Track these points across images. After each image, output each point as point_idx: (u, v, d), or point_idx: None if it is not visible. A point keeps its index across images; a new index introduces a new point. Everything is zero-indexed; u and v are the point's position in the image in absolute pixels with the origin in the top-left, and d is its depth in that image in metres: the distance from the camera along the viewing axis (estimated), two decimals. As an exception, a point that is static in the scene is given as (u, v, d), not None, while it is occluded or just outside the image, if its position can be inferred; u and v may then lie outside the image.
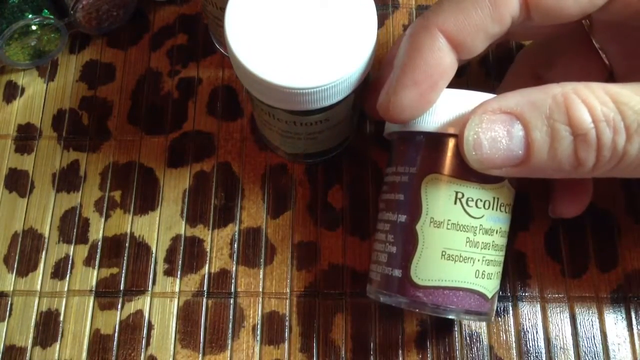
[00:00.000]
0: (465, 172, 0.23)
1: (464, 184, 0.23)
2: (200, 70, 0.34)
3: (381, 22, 0.35)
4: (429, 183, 0.24)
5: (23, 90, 0.34)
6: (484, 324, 0.29)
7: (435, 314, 0.24)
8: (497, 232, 0.24)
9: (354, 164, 0.32)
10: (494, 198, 0.23)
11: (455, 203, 0.23)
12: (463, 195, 0.23)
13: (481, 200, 0.23)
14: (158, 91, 0.34)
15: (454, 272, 0.23)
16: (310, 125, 0.27)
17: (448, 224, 0.23)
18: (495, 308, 0.25)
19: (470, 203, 0.23)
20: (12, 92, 0.34)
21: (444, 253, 0.23)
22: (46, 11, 0.32)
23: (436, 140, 0.24)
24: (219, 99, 0.33)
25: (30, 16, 0.32)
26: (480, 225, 0.23)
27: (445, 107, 0.23)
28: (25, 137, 0.33)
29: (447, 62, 0.23)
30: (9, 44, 0.32)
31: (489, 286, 0.24)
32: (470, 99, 0.23)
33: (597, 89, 0.21)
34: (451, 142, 0.23)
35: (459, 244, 0.23)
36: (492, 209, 0.23)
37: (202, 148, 0.32)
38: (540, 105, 0.21)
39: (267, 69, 0.23)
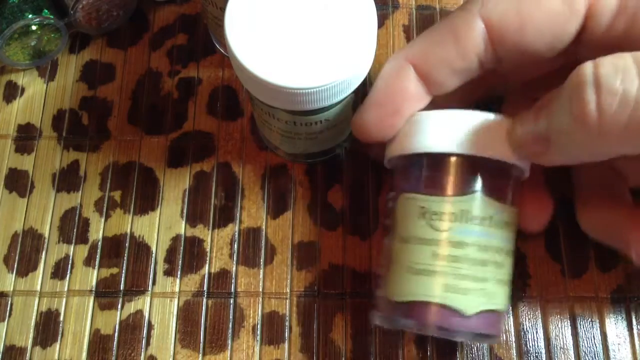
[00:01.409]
0: (429, 187, 0.24)
1: (428, 199, 0.23)
2: (200, 70, 0.34)
3: (381, 22, 0.35)
4: (401, 202, 0.24)
5: (23, 90, 0.34)
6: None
7: (433, 335, 0.24)
8: (472, 246, 0.23)
9: (354, 164, 0.32)
10: (461, 211, 0.23)
11: (419, 218, 0.23)
12: (427, 210, 0.23)
13: (446, 214, 0.23)
14: (158, 91, 0.34)
15: (422, 287, 0.23)
16: (310, 126, 0.27)
17: (414, 240, 0.24)
18: (491, 329, 0.24)
19: (434, 217, 0.23)
20: (12, 92, 0.34)
21: (410, 268, 0.23)
22: (46, 11, 0.32)
23: (405, 161, 0.25)
24: (219, 99, 0.33)
25: (30, 16, 0.32)
26: (447, 238, 0.23)
27: (411, 129, 0.24)
28: (25, 137, 0.33)
29: (411, 90, 0.24)
30: (9, 44, 0.32)
31: (466, 302, 0.23)
32: (429, 118, 0.24)
33: (620, 54, 0.20)
34: (418, 161, 0.24)
35: (425, 258, 0.23)
36: (460, 221, 0.23)
37: (202, 148, 0.32)
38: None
39: (267, 69, 0.23)
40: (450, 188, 0.23)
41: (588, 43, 0.23)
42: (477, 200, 0.23)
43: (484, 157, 0.23)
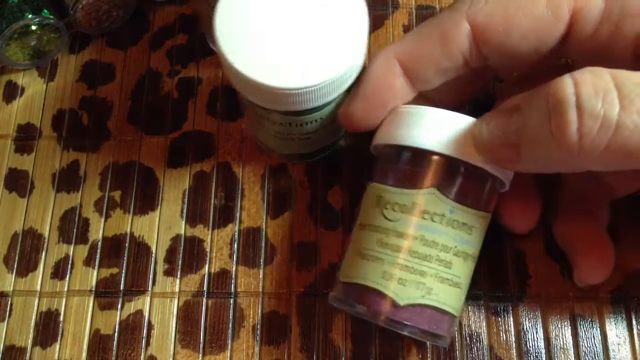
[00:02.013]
0: (387, 178, 0.25)
1: (385, 189, 0.24)
2: (200, 70, 0.34)
3: (381, 22, 0.35)
4: (367, 190, 0.26)
5: (23, 90, 0.34)
6: (484, 323, 0.29)
7: (379, 324, 0.24)
8: (416, 239, 0.23)
9: (353, 164, 0.32)
10: (414, 204, 0.23)
11: (375, 206, 0.24)
12: (383, 199, 0.24)
13: (398, 204, 0.24)
14: (158, 91, 0.34)
15: (362, 271, 0.24)
16: (304, 126, 0.27)
17: (368, 226, 0.25)
18: (427, 326, 0.24)
19: (387, 206, 0.24)
20: (12, 92, 0.34)
21: (360, 252, 0.24)
22: (46, 11, 0.32)
23: (375, 151, 0.26)
24: (219, 99, 0.33)
25: (30, 16, 0.32)
26: (395, 228, 0.24)
27: (385, 120, 0.25)
28: (25, 137, 0.33)
29: (396, 85, 0.25)
30: (9, 44, 0.32)
31: (402, 293, 0.23)
32: (403, 114, 0.25)
33: (595, 70, 0.20)
34: (381, 152, 0.25)
35: (372, 244, 0.24)
36: (411, 214, 0.23)
37: (202, 148, 0.32)
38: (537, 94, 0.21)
39: (260, 71, 0.23)
40: (405, 181, 0.24)
41: (574, 46, 0.24)
42: (430, 196, 0.24)
43: (438, 153, 0.24)
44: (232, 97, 0.33)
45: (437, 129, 0.23)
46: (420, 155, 0.24)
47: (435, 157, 0.24)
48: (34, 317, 0.29)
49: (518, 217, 0.28)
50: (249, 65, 0.23)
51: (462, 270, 0.24)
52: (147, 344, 0.29)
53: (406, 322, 0.23)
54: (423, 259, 0.23)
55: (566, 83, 0.20)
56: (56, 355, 0.29)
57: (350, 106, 0.26)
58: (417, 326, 0.23)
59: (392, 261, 0.23)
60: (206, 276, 0.30)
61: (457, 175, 0.24)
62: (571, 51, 0.24)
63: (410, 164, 0.24)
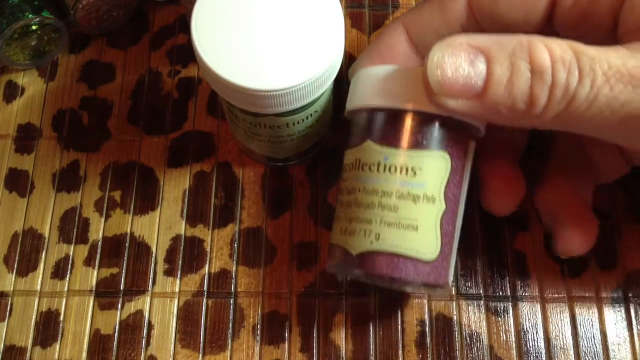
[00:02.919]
0: (346, 141, 0.26)
1: (344, 154, 0.26)
2: (200, 70, 0.34)
3: (381, 22, 0.35)
4: None
5: (23, 90, 0.34)
6: (484, 323, 0.29)
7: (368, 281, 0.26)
8: (359, 190, 0.25)
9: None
10: (356, 159, 0.25)
11: (341, 172, 0.27)
12: (343, 163, 0.26)
13: (347, 165, 0.26)
14: (158, 91, 0.34)
15: (332, 231, 0.26)
16: (299, 123, 0.27)
17: (338, 192, 0.27)
18: (382, 270, 0.24)
19: (344, 169, 0.26)
20: (12, 92, 0.34)
21: (334, 217, 0.26)
22: (46, 11, 0.32)
23: (346, 118, 0.27)
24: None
25: (30, 16, 0.32)
26: (345, 186, 0.26)
27: (351, 87, 0.27)
28: (25, 137, 0.33)
29: (398, 48, 0.27)
30: (9, 44, 0.32)
31: (352, 242, 0.24)
32: (371, 73, 0.26)
33: (561, 41, 0.21)
34: (355, 117, 0.26)
35: (337, 205, 0.26)
36: (354, 169, 0.25)
37: (202, 148, 0.32)
38: (506, 45, 0.22)
39: (248, 78, 0.23)
40: (352, 142, 0.26)
41: (559, 18, 0.25)
42: (364, 149, 0.25)
43: (366, 108, 0.25)
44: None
45: (372, 85, 0.25)
46: (357, 115, 0.26)
47: (364, 113, 0.25)
48: (34, 317, 0.29)
49: (499, 199, 0.28)
50: (235, 74, 0.23)
51: (415, 212, 0.24)
52: (147, 344, 0.29)
53: (360, 270, 0.24)
54: (367, 207, 0.24)
55: (544, 51, 0.21)
56: (56, 355, 0.29)
57: (357, 66, 0.28)
58: (372, 272, 0.24)
59: (344, 216, 0.25)
60: (206, 276, 0.30)
61: (388, 121, 0.25)
62: (558, 23, 0.25)
63: (353, 126, 0.26)
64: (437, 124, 0.24)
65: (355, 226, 0.25)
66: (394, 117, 0.24)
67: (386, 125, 0.25)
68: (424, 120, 0.24)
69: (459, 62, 0.22)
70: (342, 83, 0.29)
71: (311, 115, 0.27)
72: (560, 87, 0.21)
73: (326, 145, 0.31)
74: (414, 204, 0.24)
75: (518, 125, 0.23)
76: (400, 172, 0.24)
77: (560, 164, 0.29)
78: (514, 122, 0.23)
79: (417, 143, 0.24)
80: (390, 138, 0.24)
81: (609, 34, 0.23)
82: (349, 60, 0.33)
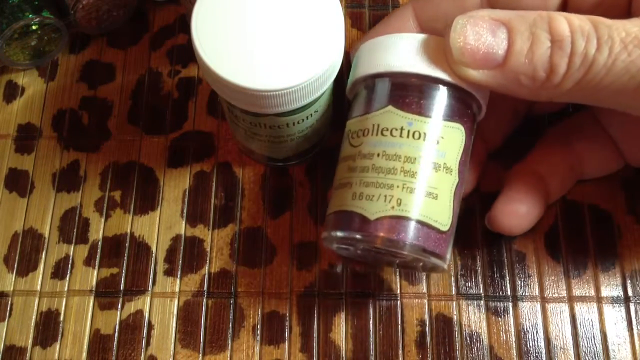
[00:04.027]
0: (353, 111, 0.26)
1: (350, 122, 0.26)
2: (200, 70, 0.34)
3: (381, 22, 0.35)
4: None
5: (23, 90, 0.34)
6: (484, 323, 0.29)
7: (352, 248, 0.26)
8: (378, 155, 0.24)
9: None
10: (373, 125, 0.25)
11: (345, 140, 0.26)
12: (350, 131, 0.26)
13: (361, 130, 0.25)
14: (158, 91, 0.34)
15: (338, 199, 0.25)
16: (299, 124, 0.27)
17: (341, 160, 0.26)
18: (398, 236, 0.24)
19: (353, 135, 0.25)
20: (12, 92, 0.34)
21: (338, 184, 0.25)
22: (46, 11, 0.32)
23: (352, 90, 0.27)
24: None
25: (30, 16, 0.32)
26: (359, 151, 0.25)
27: (363, 55, 0.26)
28: (25, 137, 0.33)
29: (404, 28, 0.27)
30: (9, 44, 0.32)
31: (370, 207, 0.24)
32: (359, 49, 0.26)
33: (580, 15, 0.22)
34: (360, 87, 0.26)
35: (344, 172, 0.25)
36: (372, 134, 0.25)
37: (202, 148, 0.32)
38: (527, 17, 0.22)
39: (248, 78, 0.23)
40: (365, 108, 0.25)
41: (574, 4, 0.25)
42: (386, 114, 0.24)
43: (388, 73, 0.25)
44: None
45: (387, 51, 0.25)
46: (374, 81, 0.25)
47: (386, 78, 0.25)
48: (34, 317, 0.29)
49: (507, 221, 0.29)
50: (237, 75, 0.23)
51: (435, 181, 0.24)
52: (147, 344, 0.29)
53: (378, 234, 0.24)
54: (387, 172, 0.24)
55: (563, 22, 0.22)
56: (56, 355, 0.29)
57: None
58: (390, 237, 0.23)
59: (359, 181, 0.24)
60: (206, 276, 0.30)
61: (406, 87, 0.25)
62: (573, 9, 0.25)
63: (369, 92, 0.26)
64: (461, 97, 0.25)
65: (373, 191, 0.24)
66: (423, 85, 0.24)
67: (413, 92, 0.24)
68: (451, 91, 0.24)
69: (481, 31, 0.23)
70: (342, 83, 0.29)
71: (311, 115, 0.27)
72: (579, 54, 0.21)
73: (326, 145, 0.31)
74: (435, 172, 0.24)
75: (538, 98, 0.23)
76: (424, 138, 0.24)
77: (540, 154, 0.29)
78: (533, 93, 0.23)
79: (442, 113, 0.24)
80: (416, 105, 0.24)
81: (624, 17, 0.23)
82: (349, 60, 0.33)
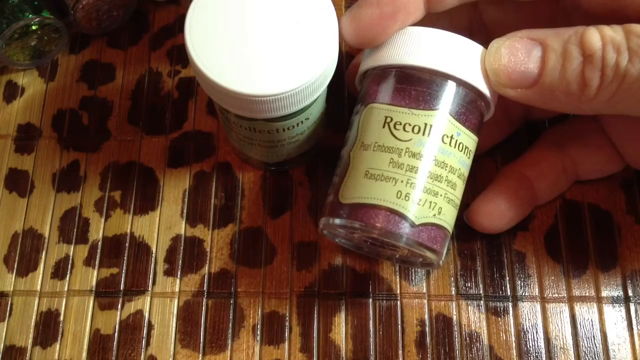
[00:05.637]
0: (397, 99, 0.24)
1: (393, 109, 0.24)
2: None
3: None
4: (366, 113, 0.25)
5: (23, 90, 0.34)
6: (484, 323, 0.29)
7: (373, 237, 0.25)
8: (429, 159, 0.24)
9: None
10: (425, 124, 0.24)
11: (383, 127, 0.24)
12: (392, 120, 0.24)
13: (410, 125, 0.24)
14: (158, 91, 0.34)
15: (374, 190, 0.24)
16: (292, 129, 0.27)
17: (374, 146, 0.24)
18: (434, 244, 0.24)
19: (398, 127, 0.24)
20: (12, 92, 0.34)
21: (367, 173, 0.24)
22: (46, 11, 0.32)
23: (379, 73, 0.25)
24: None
25: (30, 16, 0.32)
26: (407, 148, 0.24)
27: (390, 42, 0.25)
28: (25, 137, 0.33)
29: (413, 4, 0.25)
30: (9, 44, 0.32)
31: (413, 209, 0.23)
32: (412, 34, 0.25)
33: (615, 25, 0.22)
34: (391, 74, 0.25)
35: (383, 164, 0.24)
36: (423, 134, 0.24)
37: (202, 148, 0.32)
38: (562, 34, 0.23)
39: (241, 83, 0.23)
40: (416, 102, 0.24)
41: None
42: (442, 118, 0.24)
43: (456, 78, 0.24)
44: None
45: (449, 52, 0.24)
46: (433, 77, 0.24)
47: (450, 81, 0.24)
48: (34, 317, 0.29)
49: (488, 218, 0.29)
50: (226, 77, 0.23)
51: (461, 192, 0.25)
52: (147, 344, 0.29)
53: (419, 241, 0.24)
54: (436, 179, 0.24)
55: (595, 35, 0.22)
56: (56, 355, 0.29)
57: (362, 10, 0.25)
58: (426, 244, 0.24)
59: (408, 181, 0.24)
60: (206, 276, 0.30)
61: (466, 100, 0.25)
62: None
63: (422, 85, 0.24)
64: (483, 111, 0.26)
65: (424, 196, 0.24)
66: (476, 99, 0.25)
67: (470, 105, 0.25)
68: (483, 107, 0.25)
69: (516, 52, 0.23)
70: (335, 89, 0.28)
71: (306, 119, 0.27)
72: (611, 67, 0.22)
73: (325, 146, 0.31)
74: (462, 184, 0.25)
75: (579, 112, 0.24)
76: (464, 151, 0.25)
77: (531, 157, 0.30)
78: (575, 107, 0.23)
79: (476, 128, 0.25)
80: (465, 117, 0.25)
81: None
82: (348, 60, 0.33)
